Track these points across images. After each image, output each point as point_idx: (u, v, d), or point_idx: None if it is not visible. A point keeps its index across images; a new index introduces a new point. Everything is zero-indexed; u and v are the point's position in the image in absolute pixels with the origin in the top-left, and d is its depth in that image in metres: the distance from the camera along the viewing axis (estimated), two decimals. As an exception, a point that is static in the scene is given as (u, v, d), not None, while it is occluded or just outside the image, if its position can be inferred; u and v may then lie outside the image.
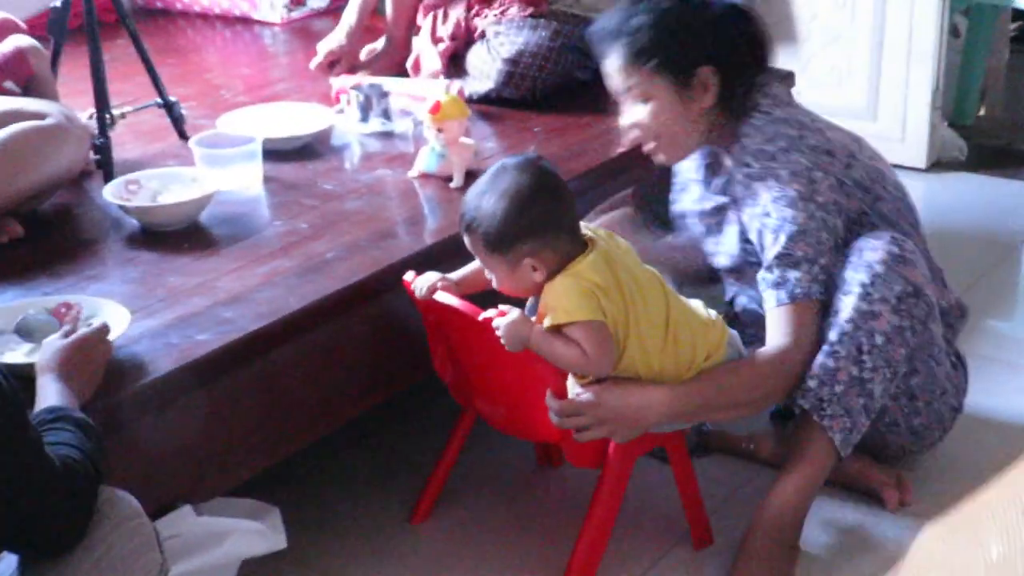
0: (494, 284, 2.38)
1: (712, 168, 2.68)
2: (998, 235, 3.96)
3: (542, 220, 2.30)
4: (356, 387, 2.52)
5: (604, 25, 2.57)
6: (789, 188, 2.49)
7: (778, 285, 2.49)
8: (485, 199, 2.30)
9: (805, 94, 4.08)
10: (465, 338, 2.48)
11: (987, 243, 3.88)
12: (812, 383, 2.45)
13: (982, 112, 5.12)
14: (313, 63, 3.59)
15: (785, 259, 2.48)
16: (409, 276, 2.46)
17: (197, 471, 2.27)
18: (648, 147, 2.60)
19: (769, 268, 2.51)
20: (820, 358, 2.46)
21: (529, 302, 2.46)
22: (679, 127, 2.56)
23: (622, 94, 2.57)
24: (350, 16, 3.65)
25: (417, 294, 2.44)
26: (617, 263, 2.32)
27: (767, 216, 2.51)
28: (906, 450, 2.74)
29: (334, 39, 3.61)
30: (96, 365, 2.08)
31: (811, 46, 4.53)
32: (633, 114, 2.57)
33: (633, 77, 2.53)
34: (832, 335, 2.46)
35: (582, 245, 2.32)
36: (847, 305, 2.46)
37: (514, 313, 2.30)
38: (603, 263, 2.30)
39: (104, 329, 2.13)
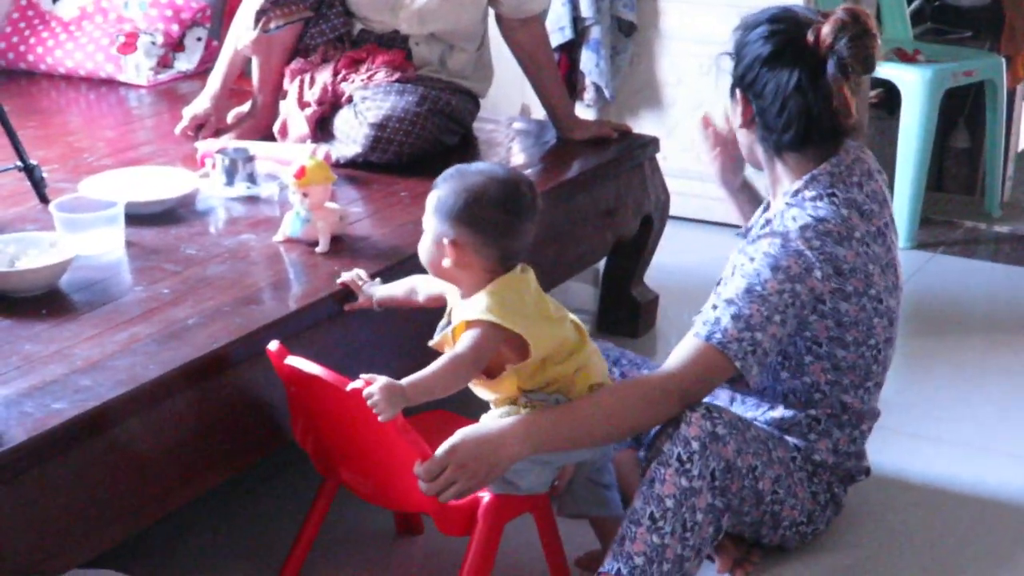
0: (419, 244, 2.49)
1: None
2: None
3: (485, 224, 2.40)
4: (216, 456, 2.48)
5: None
6: (784, 259, 2.51)
7: (708, 323, 2.50)
8: (474, 173, 2.44)
9: (671, 159, 4.16)
10: (331, 408, 2.46)
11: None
12: (640, 560, 2.42)
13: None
14: (178, 128, 3.56)
15: (732, 307, 2.50)
16: (272, 346, 2.45)
17: (52, 542, 2.21)
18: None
19: (714, 306, 2.53)
20: (645, 532, 2.43)
21: (439, 326, 2.51)
22: (734, 134, 2.76)
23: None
24: (215, 80, 3.63)
25: (337, 280, 2.63)
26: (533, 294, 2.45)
27: (750, 261, 2.54)
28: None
29: (199, 103, 3.59)
30: None
31: (676, 111, 4.59)
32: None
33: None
34: (654, 510, 2.44)
35: (507, 269, 2.44)
36: (667, 479, 2.45)
37: (382, 379, 2.29)
38: (523, 283, 2.44)
39: None
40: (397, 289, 2.67)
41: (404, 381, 2.31)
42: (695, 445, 2.46)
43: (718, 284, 2.61)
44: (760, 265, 2.51)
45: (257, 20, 3.49)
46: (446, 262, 2.43)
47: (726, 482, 2.48)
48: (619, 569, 2.43)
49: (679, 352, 2.52)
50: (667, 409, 2.48)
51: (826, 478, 2.71)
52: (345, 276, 2.67)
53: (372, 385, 2.28)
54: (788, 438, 2.68)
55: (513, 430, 2.37)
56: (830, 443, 2.69)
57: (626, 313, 3.81)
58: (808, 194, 2.59)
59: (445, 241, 2.41)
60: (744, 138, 2.72)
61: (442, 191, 2.44)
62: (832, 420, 2.68)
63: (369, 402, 2.27)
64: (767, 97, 2.60)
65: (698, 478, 2.45)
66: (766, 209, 2.73)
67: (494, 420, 2.43)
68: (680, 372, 2.49)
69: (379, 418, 2.26)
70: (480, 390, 2.52)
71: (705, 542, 2.48)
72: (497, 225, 2.41)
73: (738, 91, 2.65)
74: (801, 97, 2.57)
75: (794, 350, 2.61)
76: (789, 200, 2.61)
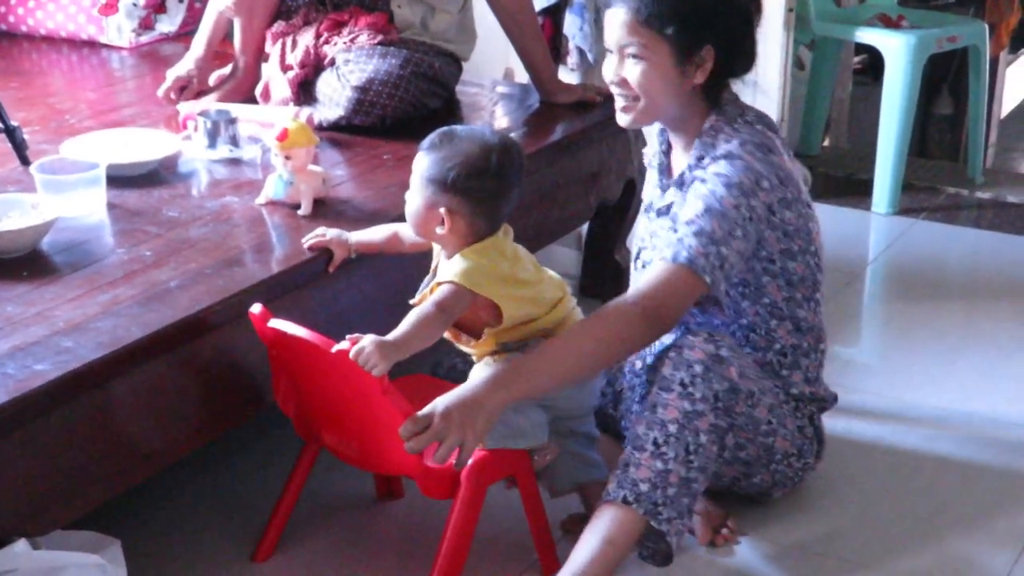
0: (406, 208, 2.50)
1: (667, 156, 2.73)
2: (842, 262, 4.04)
3: (481, 193, 2.43)
4: (198, 419, 2.49)
5: None
6: (736, 175, 2.51)
7: (672, 245, 2.49)
8: (466, 139, 2.45)
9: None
10: (314, 371, 2.46)
11: (831, 270, 3.95)
12: (645, 487, 2.43)
13: (826, 143, 5.24)
14: (161, 90, 3.54)
15: (693, 226, 2.49)
16: (255, 309, 2.44)
17: (34, 504, 2.22)
18: (622, 104, 2.62)
19: (674, 229, 2.52)
20: (649, 458, 2.44)
21: (424, 281, 2.54)
22: (663, 97, 2.59)
23: (618, 47, 2.58)
24: (199, 42, 3.62)
25: (305, 244, 2.63)
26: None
27: (703, 183, 2.53)
28: (756, 495, 2.78)
29: (182, 66, 3.58)
30: None
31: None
32: (623, 70, 2.59)
33: (638, 36, 2.55)
34: (657, 435, 2.45)
35: (493, 232, 2.48)
36: (670, 403, 2.46)
37: (369, 336, 2.30)
38: (502, 245, 2.48)
39: None
40: (376, 235, 2.69)
41: (388, 337, 2.32)
42: (698, 368, 2.47)
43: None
44: (714, 184, 2.52)
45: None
46: (439, 229, 2.45)
47: (730, 403, 2.50)
48: (624, 496, 2.43)
49: (647, 276, 2.50)
50: (641, 331, 2.46)
51: (806, 411, 2.73)
52: (309, 239, 2.67)
53: (361, 342, 2.28)
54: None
55: (494, 378, 2.37)
56: (801, 374, 2.71)
57: (609, 276, 3.80)
58: (727, 127, 2.60)
59: (441, 210, 2.43)
60: (669, 88, 2.58)
61: (434, 157, 2.44)
62: (796, 351, 2.69)
63: (360, 359, 2.28)
64: (731, 22, 2.59)
65: (701, 401, 2.46)
66: (666, 165, 2.75)
67: (476, 373, 2.46)
68: (650, 292, 2.46)
69: (373, 372, 2.28)
70: (465, 348, 2.57)
71: (710, 461, 2.49)
72: (491, 192, 2.44)
73: (704, 48, 2.56)
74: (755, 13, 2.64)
75: (752, 275, 2.63)
76: (709, 132, 2.61)
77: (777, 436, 2.65)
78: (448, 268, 2.45)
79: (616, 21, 2.57)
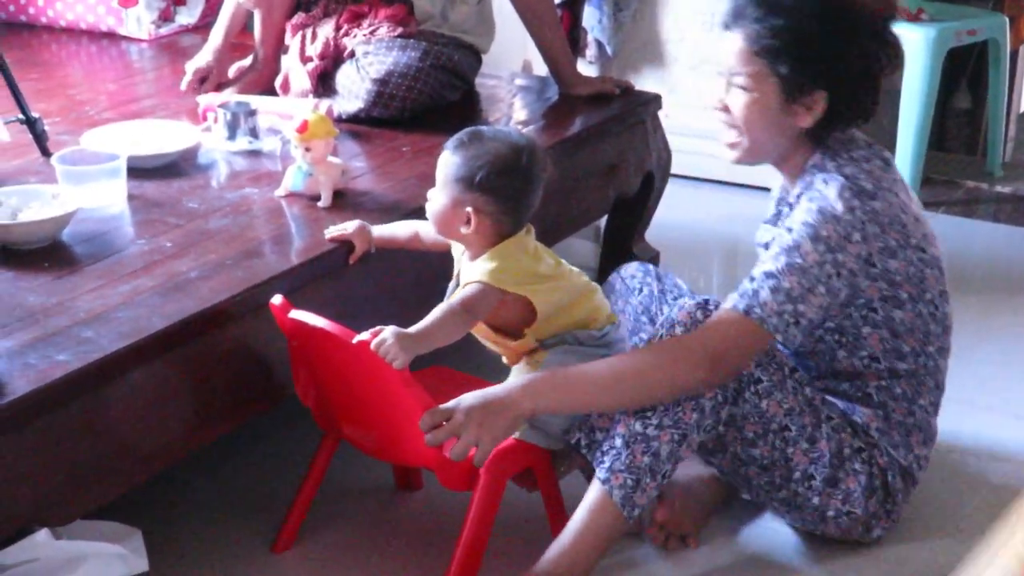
0: (428, 207, 2.50)
1: (781, 204, 2.64)
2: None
3: (509, 192, 2.43)
4: (217, 410, 2.49)
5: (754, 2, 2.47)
6: (823, 228, 2.39)
7: (748, 296, 2.40)
8: (491, 139, 2.46)
9: (673, 116, 4.15)
10: (334, 362, 2.46)
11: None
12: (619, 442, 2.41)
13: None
14: (183, 84, 3.55)
15: (771, 280, 2.39)
16: (276, 300, 2.45)
17: (55, 493, 2.22)
18: (726, 139, 2.54)
19: (751, 278, 2.42)
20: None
21: (450, 287, 2.55)
22: (766, 133, 2.50)
23: (728, 74, 2.49)
24: (217, 33, 3.63)
25: (327, 236, 2.64)
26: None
27: (789, 232, 2.42)
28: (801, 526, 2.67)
29: (201, 57, 3.59)
30: None
31: (679, 68, 4.58)
32: (728, 96, 2.50)
33: (749, 66, 2.45)
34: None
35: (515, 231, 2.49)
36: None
37: (390, 328, 2.31)
38: (524, 243, 2.49)
39: None
40: (398, 231, 2.69)
41: (410, 330, 2.33)
42: (679, 331, 2.43)
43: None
44: (800, 236, 2.41)
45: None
46: (464, 229, 2.45)
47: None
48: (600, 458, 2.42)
49: (716, 322, 2.40)
50: (697, 378, 2.38)
51: (879, 460, 2.56)
52: (332, 231, 2.67)
53: (382, 333, 2.29)
54: (829, 397, 2.59)
55: (527, 386, 2.36)
56: (881, 412, 2.57)
57: (627, 270, 3.80)
58: (830, 163, 2.49)
59: (468, 210, 2.43)
60: (771, 125, 2.50)
61: (461, 156, 2.44)
62: (884, 392, 2.57)
63: (381, 350, 2.28)
64: (851, 72, 2.47)
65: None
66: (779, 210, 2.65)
67: (512, 377, 2.47)
68: (713, 338, 2.39)
69: (394, 364, 2.28)
70: (501, 350, 2.58)
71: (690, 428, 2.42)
72: (518, 192, 2.45)
73: (815, 93, 2.46)
74: (883, 63, 2.50)
75: (850, 323, 2.51)
76: (811, 171, 2.51)
77: (796, 448, 2.51)
78: (474, 268, 2.45)
79: (730, 46, 2.47)
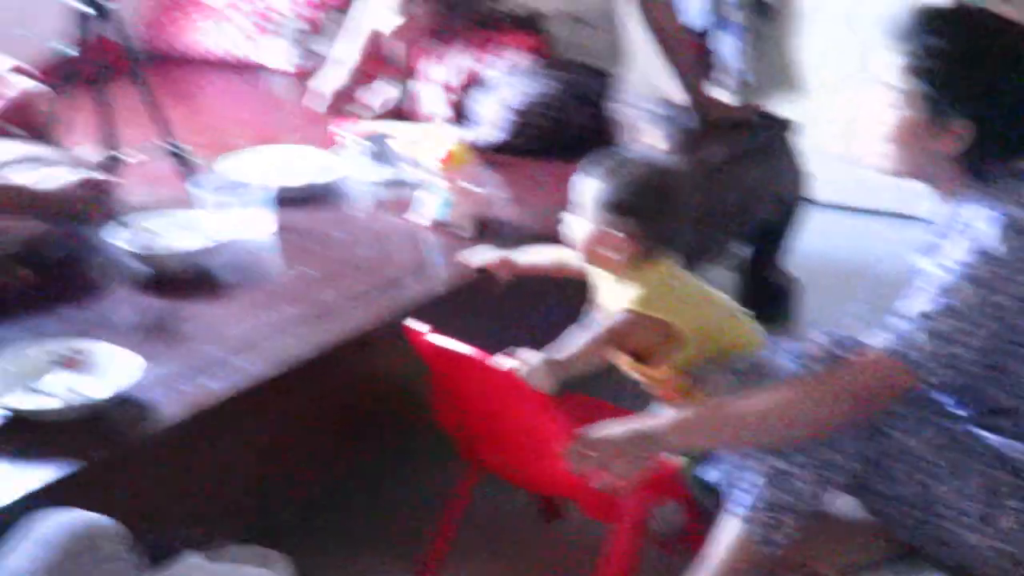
0: (571, 232, 2.50)
1: (936, 233, 2.51)
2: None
3: (658, 216, 2.44)
4: (361, 436, 2.52)
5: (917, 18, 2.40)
6: (980, 268, 2.30)
7: (904, 336, 2.30)
8: (635, 163, 2.46)
9: (811, 143, 4.11)
10: (475, 389, 2.48)
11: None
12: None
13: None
14: (321, 106, 3.59)
15: (928, 322, 2.29)
16: (418, 327, 2.47)
17: (208, 516, 2.27)
18: (878, 147, 2.44)
19: (901, 317, 2.32)
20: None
21: (589, 312, 2.56)
22: (907, 150, 2.41)
23: (879, 81, 2.42)
24: (353, 55, 3.68)
25: (471, 264, 2.68)
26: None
27: (944, 271, 2.32)
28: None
29: (337, 78, 3.65)
30: None
31: (817, 94, 4.53)
32: (885, 110, 2.40)
33: (903, 84, 2.38)
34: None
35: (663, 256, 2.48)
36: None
37: (534, 356, 2.32)
38: (671, 269, 2.48)
39: None
40: (540, 258, 2.69)
41: (554, 356, 2.34)
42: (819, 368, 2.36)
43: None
44: (956, 277, 2.31)
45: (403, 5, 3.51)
46: (611, 254, 2.44)
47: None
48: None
49: (863, 361, 2.33)
50: (834, 412, 2.32)
51: None
52: (477, 259, 2.69)
53: (527, 359, 2.31)
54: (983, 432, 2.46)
55: (678, 422, 2.31)
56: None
57: (766, 298, 3.78)
58: (987, 197, 2.38)
59: (616, 234, 2.42)
60: (915, 142, 2.41)
61: (607, 182, 2.44)
62: None
63: (526, 375, 2.29)
64: (1002, 104, 2.36)
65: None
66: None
67: (662, 412, 2.43)
68: (861, 379, 2.32)
69: (542, 391, 2.29)
70: (643, 379, 2.55)
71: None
72: (664, 216, 2.44)
73: (956, 123, 2.37)
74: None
75: (1013, 361, 2.40)
76: (964, 196, 2.42)
77: (940, 482, 2.40)
78: (620, 294, 2.45)
79: (887, 57, 2.40)
